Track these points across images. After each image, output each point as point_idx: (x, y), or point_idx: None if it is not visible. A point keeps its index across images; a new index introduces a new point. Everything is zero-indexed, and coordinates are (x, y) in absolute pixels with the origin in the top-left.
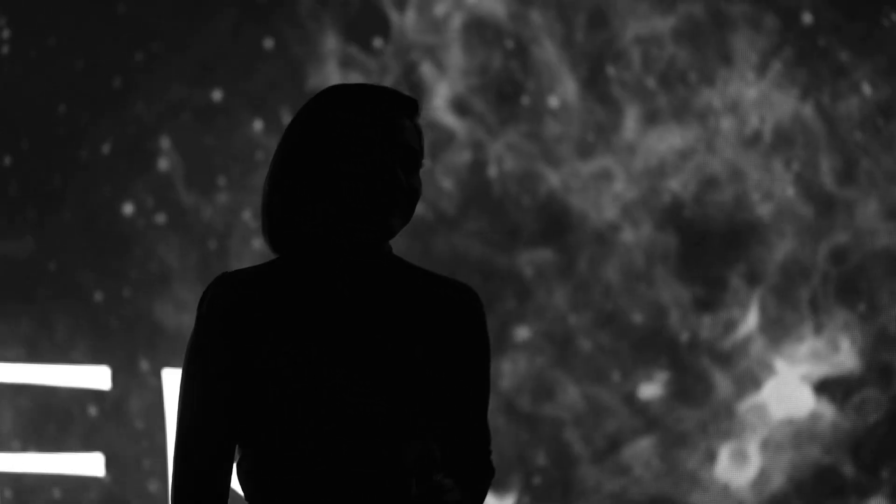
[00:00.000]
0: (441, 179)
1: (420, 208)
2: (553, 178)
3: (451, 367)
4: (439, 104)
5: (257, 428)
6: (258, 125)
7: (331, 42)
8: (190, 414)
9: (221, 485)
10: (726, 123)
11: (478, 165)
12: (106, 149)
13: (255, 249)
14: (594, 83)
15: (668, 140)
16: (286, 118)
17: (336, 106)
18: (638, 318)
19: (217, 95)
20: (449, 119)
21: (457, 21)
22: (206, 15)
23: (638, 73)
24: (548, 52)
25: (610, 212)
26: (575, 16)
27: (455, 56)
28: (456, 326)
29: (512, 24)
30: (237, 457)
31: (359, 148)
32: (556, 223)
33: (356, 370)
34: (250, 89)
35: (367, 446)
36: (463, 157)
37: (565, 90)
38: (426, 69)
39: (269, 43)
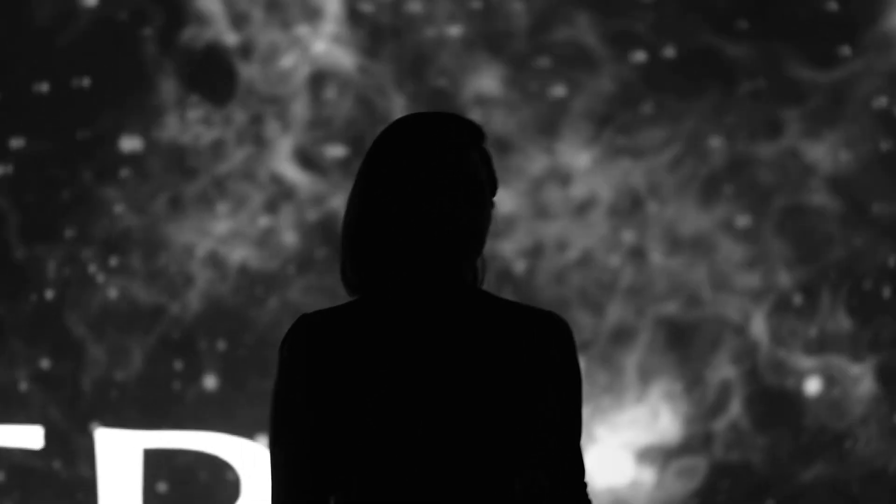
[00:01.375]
0: (284, 233)
1: (264, 261)
2: None
3: (543, 398)
4: (283, 156)
5: (351, 471)
6: (91, 176)
7: (171, 90)
8: (282, 462)
9: None
10: (556, 190)
11: (323, 220)
12: None
13: (96, 303)
14: None
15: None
16: (117, 171)
17: (401, 141)
18: None
19: (50, 145)
20: (292, 172)
21: (303, 72)
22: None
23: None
24: (394, 103)
25: None
26: (423, 68)
27: (301, 108)
28: (546, 355)
29: (359, 76)
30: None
31: (426, 187)
32: None
33: (447, 407)
34: (85, 140)
35: (464, 483)
36: (309, 211)
37: None
38: (271, 122)
39: (106, 91)
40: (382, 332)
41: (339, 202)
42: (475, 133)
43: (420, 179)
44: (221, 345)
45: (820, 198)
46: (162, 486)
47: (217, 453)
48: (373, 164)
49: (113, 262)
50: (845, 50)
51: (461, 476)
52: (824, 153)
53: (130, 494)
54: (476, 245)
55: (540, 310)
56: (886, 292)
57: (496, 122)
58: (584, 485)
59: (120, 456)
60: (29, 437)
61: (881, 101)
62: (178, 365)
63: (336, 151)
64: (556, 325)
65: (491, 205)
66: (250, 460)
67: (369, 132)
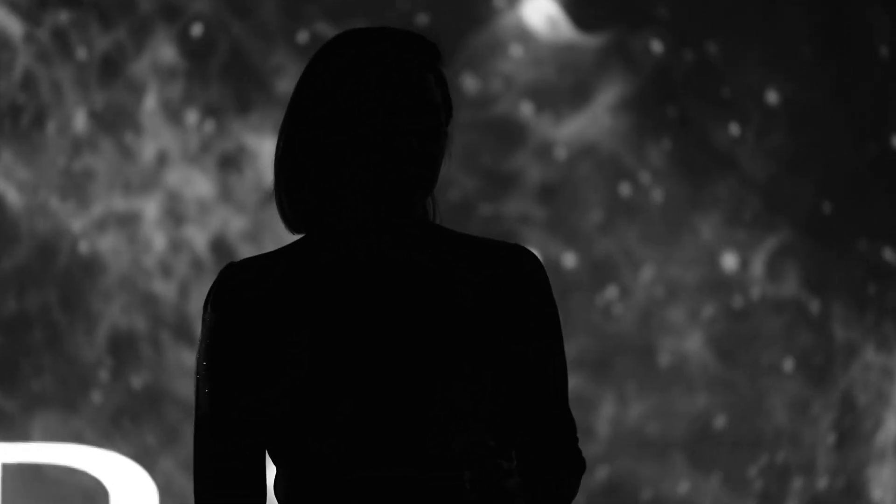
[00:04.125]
0: None
1: None
2: (76, 222)
3: (508, 343)
4: None
5: (283, 432)
6: None
7: None
8: (205, 420)
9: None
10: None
11: None
12: None
13: None
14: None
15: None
16: None
17: (341, 58)
18: (140, 379)
19: None
20: None
21: None
22: None
23: (176, 104)
24: (59, 73)
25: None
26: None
27: None
28: (508, 294)
29: (24, 45)
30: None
31: (384, 116)
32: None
33: (389, 358)
34: None
35: (409, 443)
36: None
37: (75, 116)
38: None
39: None
40: (316, 283)
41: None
42: (432, 52)
43: (377, 106)
44: None
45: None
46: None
47: (85, 468)
48: (317, 86)
49: None
50: None
51: (402, 439)
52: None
53: None
54: (432, 179)
55: (504, 243)
56: None
57: (172, 91)
58: (575, 440)
59: None
60: None
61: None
62: None
63: None
64: (517, 259)
65: (445, 134)
66: (119, 474)
67: (31, 103)
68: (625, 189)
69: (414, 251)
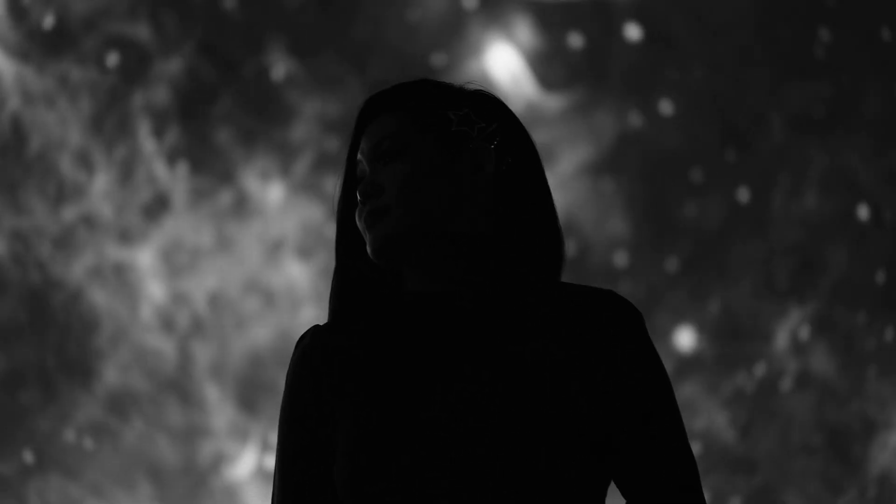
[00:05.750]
0: None
1: None
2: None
3: (602, 409)
4: None
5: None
6: None
7: None
8: (276, 474)
9: None
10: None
11: None
12: None
13: None
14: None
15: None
16: None
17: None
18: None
19: None
20: None
21: None
22: None
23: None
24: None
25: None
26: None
27: None
28: (594, 350)
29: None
30: None
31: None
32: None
33: (443, 405)
34: None
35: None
36: None
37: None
38: None
39: None
40: (388, 343)
41: None
42: (378, 101)
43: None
44: None
45: None
46: None
47: None
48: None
49: None
50: None
51: None
52: None
53: None
54: (432, 224)
55: (592, 289)
56: None
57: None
58: None
59: None
60: None
61: None
62: None
63: None
64: (613, 309)
65: (422, 167)
66: None
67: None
68: (620, 259)
69: (467, 291)
